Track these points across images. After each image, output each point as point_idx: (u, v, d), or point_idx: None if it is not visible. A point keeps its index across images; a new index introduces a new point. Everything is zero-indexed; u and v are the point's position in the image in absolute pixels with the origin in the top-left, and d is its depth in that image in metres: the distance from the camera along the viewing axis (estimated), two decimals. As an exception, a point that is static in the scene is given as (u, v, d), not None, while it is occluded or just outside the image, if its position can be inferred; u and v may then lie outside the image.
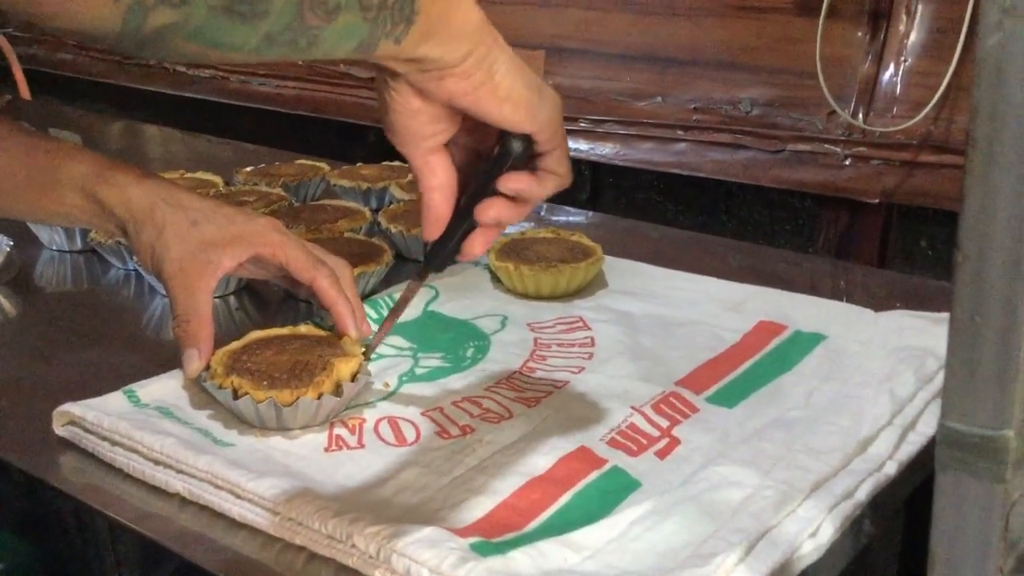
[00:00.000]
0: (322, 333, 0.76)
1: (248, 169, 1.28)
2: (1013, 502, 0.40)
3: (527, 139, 0.58)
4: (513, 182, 0.60)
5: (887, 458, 0.64)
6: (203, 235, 0.73)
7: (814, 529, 0.57)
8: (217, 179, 1.23)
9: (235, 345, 0.73)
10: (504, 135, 0.59)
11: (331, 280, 0.76)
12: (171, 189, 0.75)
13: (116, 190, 0.74)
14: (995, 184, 0.37)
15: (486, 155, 0.61)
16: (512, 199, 0.61)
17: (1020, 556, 0.41)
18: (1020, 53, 0.35)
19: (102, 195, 0.74)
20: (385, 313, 0.85)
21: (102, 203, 0.74)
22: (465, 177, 0.62)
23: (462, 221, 0.61)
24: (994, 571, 0.40)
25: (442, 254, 0.63)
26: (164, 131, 1.83)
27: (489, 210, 0.60)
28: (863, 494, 0.61)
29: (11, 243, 1.01)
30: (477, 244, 0.62)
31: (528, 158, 0.59)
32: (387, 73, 0.56)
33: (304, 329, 0.77)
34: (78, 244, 1.07)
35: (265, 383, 0.68)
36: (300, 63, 1.73)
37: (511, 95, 0.57)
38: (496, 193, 0.60)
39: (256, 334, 0.75)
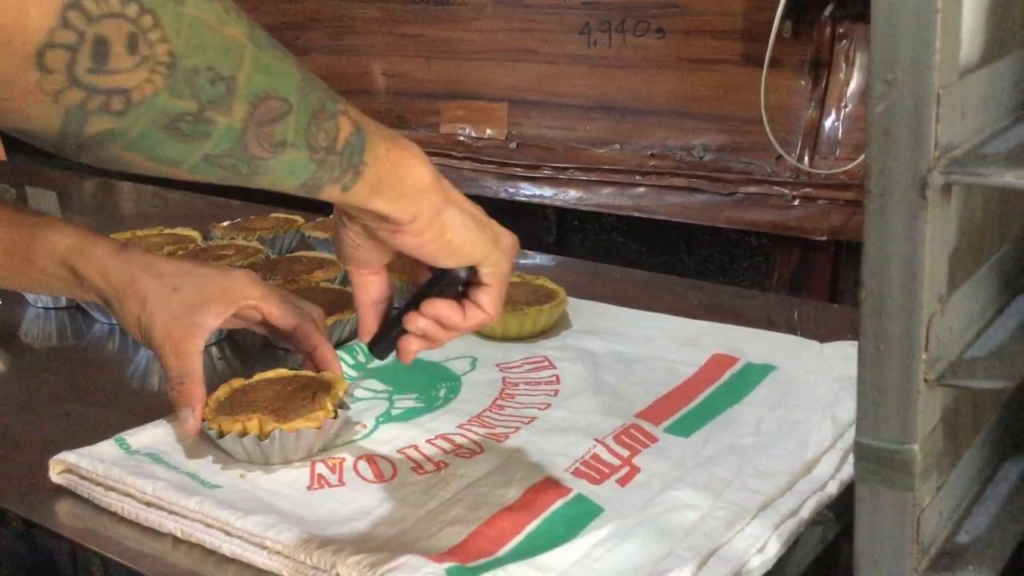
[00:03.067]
0: (305, 374, 0.80)
1: (225, 223, 1.32)
2: (922, 508, 0.45)
3: (472, 269, 0.62)
4: (436, 308, 0.63)
5: (829, 478, 0.69)
6: (185, 299, 0.77)
7: (761, 545, 0.62)
8: (195, 234, 1.28)
9: (218, 394, 0.78)
10: None
11: (313, 325, 0.81)
12: (148, 258, 0.79)
13: (95, 263, 0.77)
14: (889, 231, 0.42)
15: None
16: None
17: (932, 557, 0.47)
18: (904, 118, 0.41)
19: (81, 268, 0.77)
20: (360, 358, 0.90)
21: (81, 276, 0.78)
22: (413, 279, 0.67)
23: (399, 322, 0.66)
24: (909, 570, 0.45)
25: (383, 344, 0.67)
26: (138, 187, 1.87)
27: (416, 321, 0.64)
28: (807, 512, 0.66)
29: (-2, 301, 1.05)
30: (410, 346, 0.66)
31: (466, 284, 0.63)
32: (343, 214, 0.60)
33: (276, 373, 0.81)
34: (63, 301, 1.11)
35: (266, 420, 0.72)
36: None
37: (462, 248, 0.60)
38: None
39: (232, 383, 0.79)
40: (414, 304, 0.64)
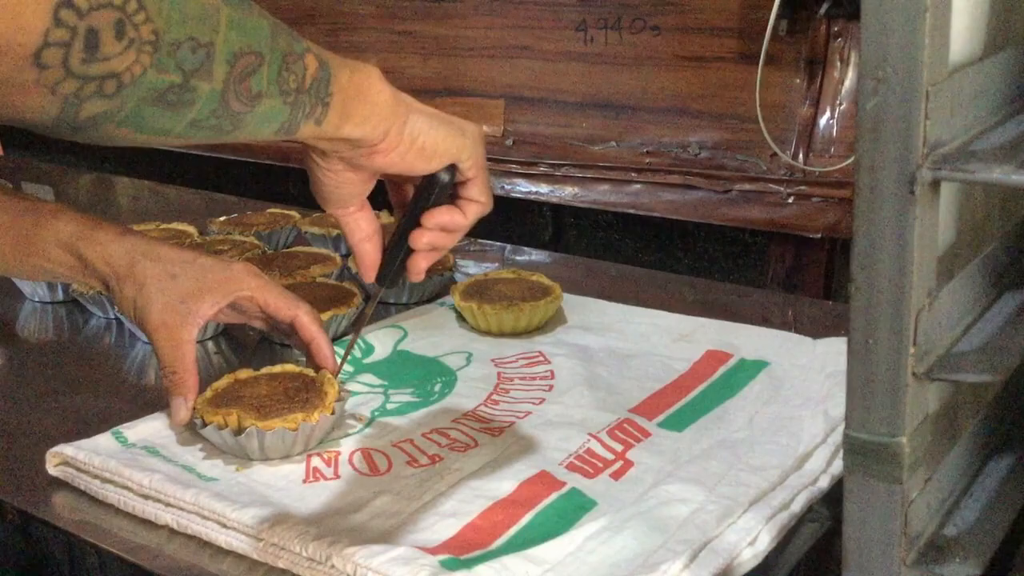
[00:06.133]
0: (299, 370, 0.81)
1: (221, 219, 1.33)
2: (911, 501, 0.46)
3: (452, 168, 0.65)
4: (437, 217, 0.67)
5: (821, 473, 0.70)
6: (183, 287, 0.78)
7: (752, 538, 0.62)
8: (192, 229, 1.28)
9: (219, 384, 0.78)
10: None
11: (311, 316, 0.82)
12: (151, 244, 0.80)
13: (98, 247, 0.78)
14: (878, 226, 0.43)
15: (413, 183, 0.68)
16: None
17: (920, 549, 0.47)
18: (893, 115, 0.41)
19: (85, 253, 0.78)
20: (356, 354, 0.91)
21: (85, 260, 0.78)
22: (400, 205, 0.70)
23: (403, 244, 0.68)
24: (897, 562, 0.46)
25: (390, 273, 0.70)
26: (135, 183, 1.87)
27: (422, 238, 0.68)
28: (798, 506, 0.66)
29: (-5, 296, 1.05)
30: (420, 264, 0.69)
31: (453, 186, 0.66)
32: (316, 152, 0.62)
33: (282, 368, 0.81)
34: (59, 295, 1.11)
35: (245, 416, 0.72)
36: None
37: (437, 148, 0.63)
38: None
39: (238, 374, 0.80)
40: (411, 223, 0.67)
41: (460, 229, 0.68)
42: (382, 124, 0.60)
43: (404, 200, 0.70)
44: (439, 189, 0.65)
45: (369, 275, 0.70)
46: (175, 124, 0.49)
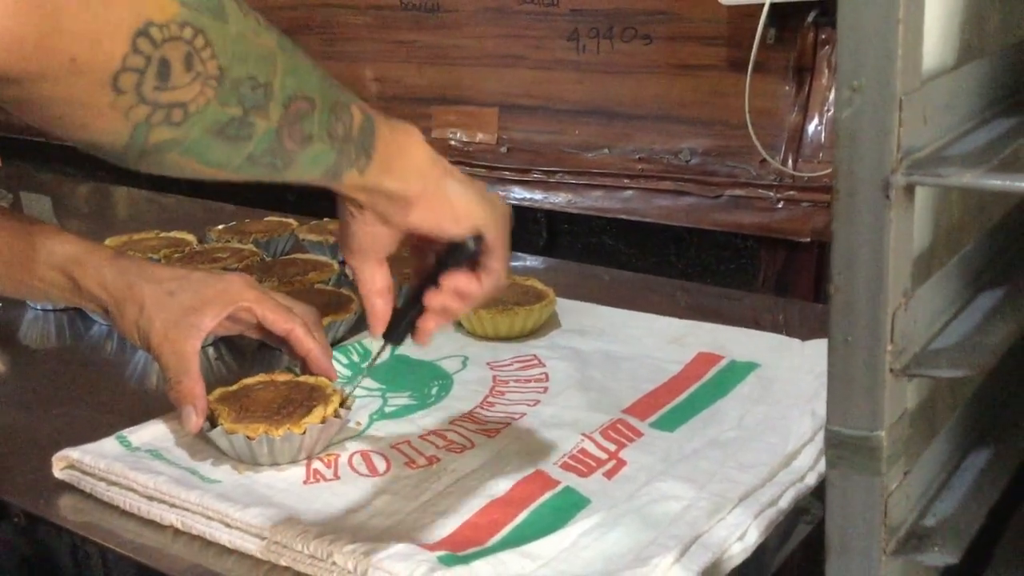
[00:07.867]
0: (308, 380, 0.82)
1: (220, 227, 1.34)
2: (890, 492, 0.48)
3: (478, 239, 0.67)
4: (455, 280, 0.68)
5: (808, 470, 0.72)
6: (182, 302, 0.79)
7: (741, 533, 0.64)
8: (191, 237, 1.30)
9: (228, 389, 0.80)
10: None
11: (305, 330, 0.83)
12: (143, 265, 0.81)
13: (92, 272, 0.79)
14: (856, 229, 0.45)
15: (436, 249, 0.69)
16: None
17: (900, 538, 0.49)
18: (868, 122, 0.44)
19: (79, 278, 0.80)
20: (355, 358, 0.92)
21: (78, 284, 0.80)
22: (418, 267, 0.71)
23: (416, 304, 0.70)
24: (878, 552, 0.48)
25: (398, 330, 0.71)
26: (132, 192, 1.89)
27: (437, 298, 0.69)
28: (786, 502, 0.68)
29: (-1, 304, 1.07)
30: (429, 324, 0.70)
31: (474, 257, 0.68)
32: (354, 204, 0.64)
33: (288, 375, 0.83)
34: (61, 303, 1.12)
35: (251, 421, 0.74)
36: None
37: (469, 214, 0.65)
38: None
39: (247, 379, 0.82)
40: (428, 284, 0.68)
41: (472, 297, 0.69)
42: (420, 182, 0.63)
43: (423, 269, 0.71)
44: (462, 254, 0.67)
45: (377, 329, 0.70)
46: (233, 158, 0.52)
